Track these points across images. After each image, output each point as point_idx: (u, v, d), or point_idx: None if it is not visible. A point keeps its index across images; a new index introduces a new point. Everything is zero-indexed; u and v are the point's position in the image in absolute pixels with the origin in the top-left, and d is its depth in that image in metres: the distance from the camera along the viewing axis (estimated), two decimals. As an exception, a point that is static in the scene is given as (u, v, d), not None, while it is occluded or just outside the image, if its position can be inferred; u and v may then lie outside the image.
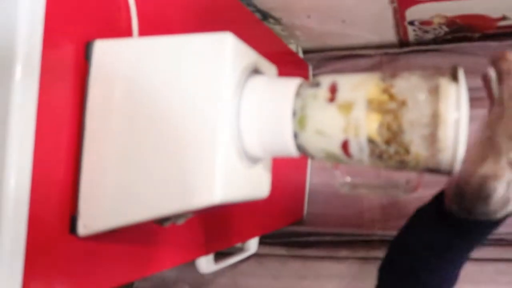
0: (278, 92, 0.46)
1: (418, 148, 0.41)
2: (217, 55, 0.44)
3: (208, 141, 0.43)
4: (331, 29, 1.25)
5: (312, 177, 1.36)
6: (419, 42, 1.31)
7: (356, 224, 1.27)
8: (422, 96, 0.41)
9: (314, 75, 1.36)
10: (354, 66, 1.35)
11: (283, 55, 1.20)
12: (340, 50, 1.37)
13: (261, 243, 1.15)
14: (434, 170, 0.43)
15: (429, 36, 1.27)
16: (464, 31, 1.22)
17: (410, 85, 0.42)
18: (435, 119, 0.40)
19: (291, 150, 0.46)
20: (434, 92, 0.41)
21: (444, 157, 0.41)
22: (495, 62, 0.43)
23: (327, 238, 1.28)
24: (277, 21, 1.21)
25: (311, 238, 1.29)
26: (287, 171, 1.17)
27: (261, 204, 0.97)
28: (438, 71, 0.42)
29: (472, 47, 1.26)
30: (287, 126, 0.45)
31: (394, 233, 1.27)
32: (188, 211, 0.47)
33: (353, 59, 1.37)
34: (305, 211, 1.34)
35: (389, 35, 1.28)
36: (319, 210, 1.34)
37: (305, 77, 1.33)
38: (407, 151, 0.41)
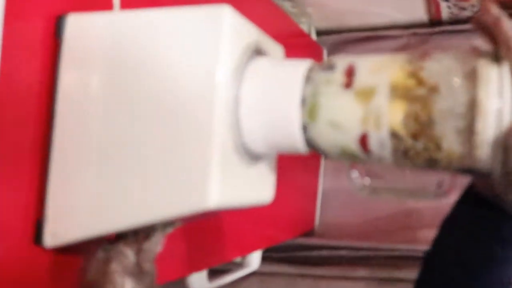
0: (285, 76, 0.45)
1: (451, 144, 0.40)
2: (212, 31, 0.44)
3: (201, 134, 0.43)
4: (349, 6, 1.25)
5: (325, 180, 1.35)
6: (454, 21, 1.30)
7: (376, 236, 1.27)
8: (457, 80, 0.40)
9: (329, 60, 1.35)
10: (377, 50, 1.34)
11: (292, 37, 1.19)
12: (360, 31, 1.37)
13: (264, 258, 1.14)
14: (471, 171, 0.43)
15: (466, 13, 1.26)
16: (509, 8, 1.21)
17: (442, 68, 0.41)
18: (472, 109, 0.39)
19: (299, 146, 0.45)
20: (472, 76, 0.40)
21: (483, 155, 0.40)
22: (480, 22, 0.42)
23: (342, 253, 1.28)
24: (286, -4, 1.21)
25: (324, 252, 1.29)
26: (295, 173, 1.17)
27: (265, 212, 0.97)
28: (477, 52, 0.42)
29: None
30: (295, 117, 0.44)
31: (420, 247, 1.26)
32: (177, 218, 0.46)
33: (375, 42, 1.36)
34: (316, 221, 1.34)
35: (419, 12, 1.27)
36: (333, 219, 1.33)
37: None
38: (438, 147, 0.41)
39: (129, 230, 0.48)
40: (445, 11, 1.25)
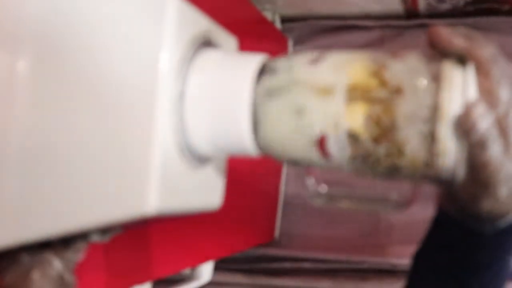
0: (235, 71, 0.46)
1: (415, 150, 0.42)
2: (155, 19, 0.44)
3: (140, 132, 0.44)
4: (318, -8, 1.26)
5: (287, 186, 1.36)
6: (432, 14, 1.32)
7: (344, 248, 1.28)
8: (423, 82, 0.42)
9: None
10: (348, 42, 1.35)
11: (253, 25, 1.20)
12: (329, 19, 1.38)
13: (218, 268, 1.14)
14: (434, 180, 0.44)
15: (445, 6, 1.29)
16: (490, 2, 1.24)
17: (407, 68, 0.43)
18: (435, 113, 0.41)
19: (249, 148, 0.46)
20: (437, 78, 0.41)
21: (445, 163, 0.41)
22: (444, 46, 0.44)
23: (306, 265, 1.29)
24: (247, -22, 1.21)
25: (286, 265, 1.30)
26: (254, 177, 1.17)
27: (218, 218, 0.97)
28: (441, 53, 0.43)
29: (500, 22, 1.28)
30: (245, 115, 0.45)
31: (389, 261, 1.28)
32: (113, 224, 0.47)
33: (346, 33, 1.37)
34: (277, 230, 1.35)
35: (393, 3, 1.29)
36: (296, 229, 1.34)
37: (283, 53, 1.33)
38: (401, 152, 0.42)
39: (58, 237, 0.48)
40: (423, 3, 1.28)
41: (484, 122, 0.40)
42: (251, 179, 1.16)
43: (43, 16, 0.48)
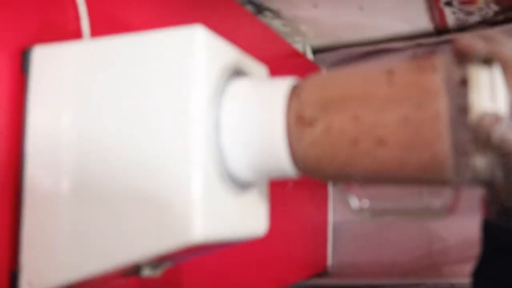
0: (267, 95, 0.47)
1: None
2: (185, 54, 0.46)
3: (180, 164, 0.45)
4: (346, 20, 1.27)
5: (335, 215, 1.36)
6: (461, 28, 1.32)
7: (397, 272, 1.27)
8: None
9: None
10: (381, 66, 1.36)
11: (286, 58, 1.22)
12: (360, 45, 1.39)
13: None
14: (473, 182, 0.44)
15: (474, 18, 1.28)
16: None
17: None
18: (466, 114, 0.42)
19: (287, 169, 0.47)
20: (464, 81, 0.43)
21: (481, 162, 0.42)
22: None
23: (361, 293, 1.28)
24: (276, 14, 1.23)
25: (340, 293, 1.29)
26: (301, 209, 1.18)
27: (268, 251, 0.98)
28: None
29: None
30: (280, 137, 0.46)
31: (447, 281, 1.25)
32: (162, 255, 0.48)
33: (378, 57, 1.38)
34: (329, 260, 1.34)
35: (422, 21, 1.29)
36: (348, 257, 1.34)
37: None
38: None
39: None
40: (451, 18, 1.28)
41: (497, 128, 0.41)
42: (299, 212, 1.16)
43: (81, 71, 0.50)
